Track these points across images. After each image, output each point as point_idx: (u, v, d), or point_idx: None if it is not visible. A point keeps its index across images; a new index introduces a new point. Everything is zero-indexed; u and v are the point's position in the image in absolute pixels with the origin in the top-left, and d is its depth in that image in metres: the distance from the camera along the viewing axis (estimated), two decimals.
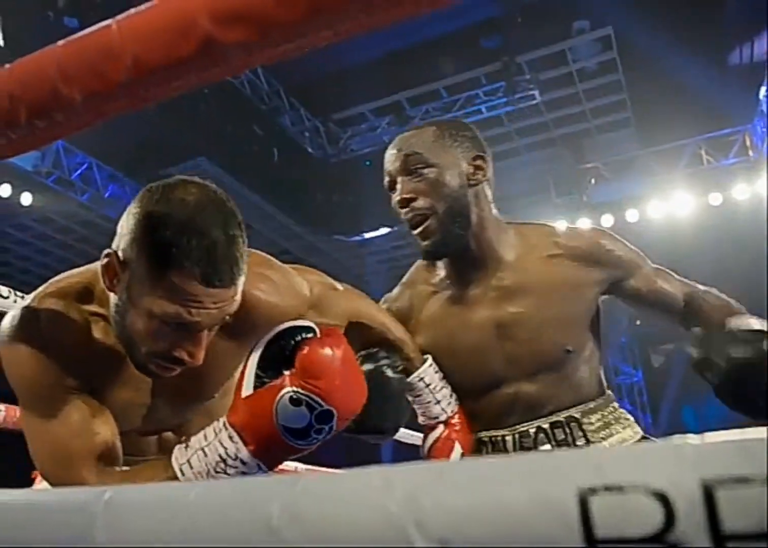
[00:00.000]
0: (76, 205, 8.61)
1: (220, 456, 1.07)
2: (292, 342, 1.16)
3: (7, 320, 1.20)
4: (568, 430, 1.53)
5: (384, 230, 9.00)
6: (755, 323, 1.46)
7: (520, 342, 1.53)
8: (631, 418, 1.65)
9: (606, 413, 1.59)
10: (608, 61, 8.32)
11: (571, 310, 1.55)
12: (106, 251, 1.11)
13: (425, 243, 1.53)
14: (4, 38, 6.09)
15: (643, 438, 1.62)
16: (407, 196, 1.52)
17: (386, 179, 1.58)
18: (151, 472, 1.10)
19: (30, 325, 1.18)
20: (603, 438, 1.56)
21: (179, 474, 1.07)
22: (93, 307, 1.20)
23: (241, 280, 1.10)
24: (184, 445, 1.11)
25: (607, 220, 9.25)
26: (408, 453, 2.41)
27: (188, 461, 1.08)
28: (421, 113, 8.83)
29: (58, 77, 0.77)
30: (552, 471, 0.38)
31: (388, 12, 0.60)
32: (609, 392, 1.66)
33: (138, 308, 1.09)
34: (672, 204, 8.97)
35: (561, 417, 1.54)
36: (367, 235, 9.16)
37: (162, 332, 1.09)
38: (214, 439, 1.09)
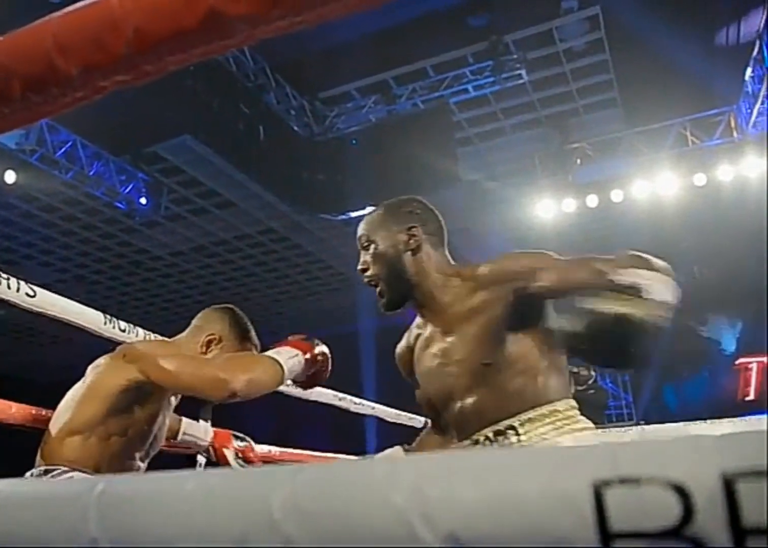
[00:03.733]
0: (60, 183, 8.52)
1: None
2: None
3: None
4: (506, 439, 1.72)
5: (370, 209, 8.94)
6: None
7: (453, 363, 1.82)
8: (585, 425, 1.77)
9: (547, 422, 1.73)
10: (595, 41, 8.27)
11: (484, 329, 1.78)
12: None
13: (380, 301, 1.92)
14: None
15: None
16: (360, 267, 1.95)
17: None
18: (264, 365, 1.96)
19: None
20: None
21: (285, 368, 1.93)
22: None
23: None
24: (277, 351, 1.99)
25: (591, 200, 9.26)
26: (393, 438, 2.45)
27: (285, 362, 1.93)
28: (408, 92, 8.76)
29: (54, 49, 0.74)
30: (565, 463, 0.37)
31: None
32: (564, 401, 1.77)
33: None
34: (657, 184, 8.99)
35: (501, 426, 1.72)
36: (353, 214, 9.08)
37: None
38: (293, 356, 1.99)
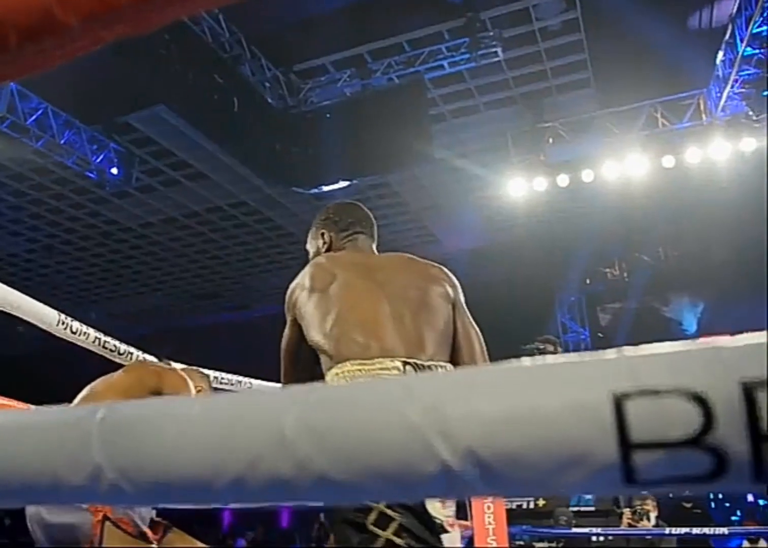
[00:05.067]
0: (30, 151, 8.38)
1: None
2: None
3: None
4: None
5: (343, 183, 8.91)
6: None
7: None
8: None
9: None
10: (571, 21, 8.26)
11: None
12: None
13: None
14: None
15: None
16: None
17: None
18: None
19: None
20: None
21: None
22: None
23: None
24: None
25: (562, 180, 9.31)
26: None
27: None
28: (383, 67, 8.69)
29: None
30: (585, 377, 0.37)
31: None
32: (339, 365, 1.96)
33: None
34: (626, 165, 9.05)
35: None
36: (326, 188, 9.06)
37: None
38: None
